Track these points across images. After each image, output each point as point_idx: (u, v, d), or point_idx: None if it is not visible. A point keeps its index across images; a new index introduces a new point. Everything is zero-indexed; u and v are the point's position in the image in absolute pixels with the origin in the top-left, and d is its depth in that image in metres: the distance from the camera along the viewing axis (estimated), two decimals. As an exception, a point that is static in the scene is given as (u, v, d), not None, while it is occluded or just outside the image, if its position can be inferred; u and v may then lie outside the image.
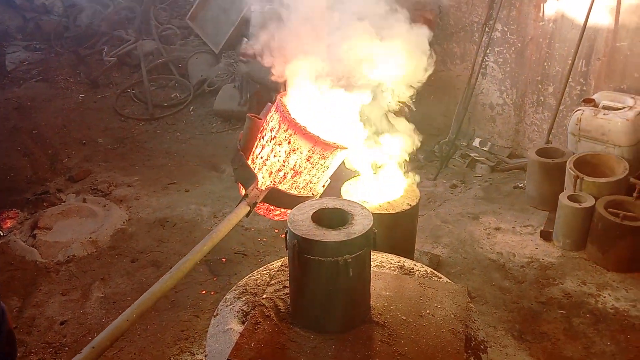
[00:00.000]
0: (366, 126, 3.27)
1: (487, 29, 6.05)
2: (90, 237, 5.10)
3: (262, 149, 3.04)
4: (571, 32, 5.46)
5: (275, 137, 2.95)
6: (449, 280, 2.71)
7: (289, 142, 2.90)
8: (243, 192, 3.02)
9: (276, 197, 2.99)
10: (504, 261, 4.65)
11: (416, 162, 6.34)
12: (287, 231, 2.24)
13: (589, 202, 4.54)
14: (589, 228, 4.56)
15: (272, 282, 2.61)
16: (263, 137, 3.04)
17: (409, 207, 3.44)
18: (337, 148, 2.95)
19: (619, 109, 4.88)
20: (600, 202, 4.47)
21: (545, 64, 5.79)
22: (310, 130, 2.87)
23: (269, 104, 3.15)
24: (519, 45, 5.93)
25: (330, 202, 2.38)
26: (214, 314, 2.56)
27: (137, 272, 4.74)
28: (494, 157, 6.27)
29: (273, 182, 3.00)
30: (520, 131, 6.25)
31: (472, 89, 6.28)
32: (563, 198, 4.64)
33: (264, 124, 3.07)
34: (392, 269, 2.77)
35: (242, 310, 2.52)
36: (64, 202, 5.78)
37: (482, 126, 6.54)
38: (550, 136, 5.64)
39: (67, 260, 4.88)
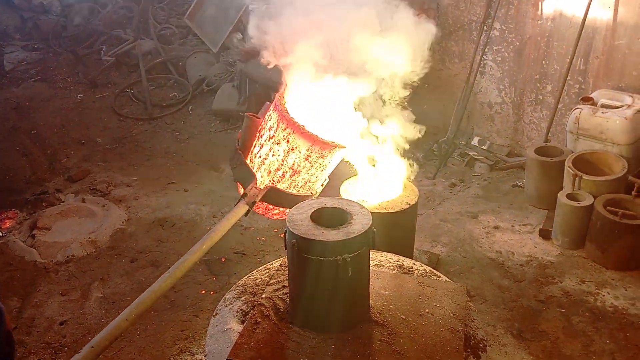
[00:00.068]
0: (365, 116, 3.27)
1: (485, 27, 6.05)
2: (89, 237, 5.09)
3: (260, 148, 3.04)
4: (569, 31, 5.46)
5: (273, 136, 2.95)
6: (448, 279, 2.71)
7: (288, 141, 2.90)
8: (242, 191, 3.02)
9: (275, 196, 2.99)
10: (503, 260, 4.65)
11: (415, 161, 6.34)
12: (286, 231, 2.24)
13: (587, 200, 4.54)
14: (587, 226, 4.57)
15: (272, 281, 2.61)
16: (262, 136, 3.04)
17: (408, 206, 3.44)
18: (335, 147, 2.95)
19: (618, 107, 4.88)
20: (599, 200, 4.48)
21: (543, 62, 5.79)
22: (308, 129, 2.87)
23: (268, 103, 3.15)
24: (518, 43, 5.93)
25: (329, 202, 2.38)
26: (214, 313, 2.56)
27: (136, 272, 4.74)
28: (492, 156, 6.27)
29: (272, 181, 3.00)
30: (519, 130, 6.26)
31: (471, 87, 6.29)
32: (562, 196, 4.65)
33: (263, 123, 3.07)
34: (391, 268, 2.77)
35: (241, 309, 2.52)
36: (63, 202, 5.78)
37: (480, 125, 6.54)
38: (549, 135, 5.64)
39: (67, 261, 4.88)
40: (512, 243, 4.86)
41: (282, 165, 2.96)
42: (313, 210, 2.31)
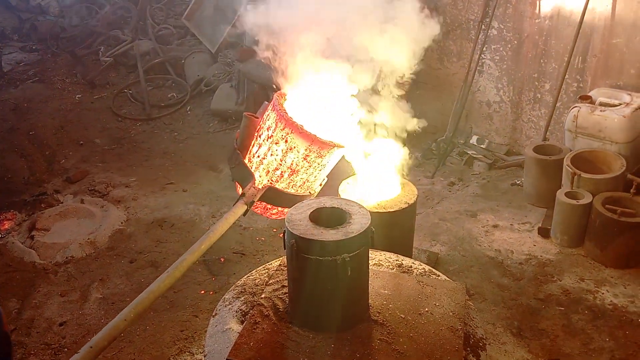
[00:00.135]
0: (361, 105, 3.27)
1: (483, 26, 6.05)
2: (88, 238, 5.09)
3: (259, 147, 3.04)
4: (567, 29, 5.46)
5: (272, 135, 2.95)
6: (447, 278, 2.71)
7: (286, 141, 2.90)
8: (240, 191, 3.02)
9: (273, 196, 2.99)
10: (502, 258, 4.65)
11: (414, 160, 6.35)
12: (285, 231, 2.24)
13: (586, 198, 4.55)
14: (586, 225, 4.57)
15: (271, 281, 2.61)
16: (260, 136, 3.04)
17: (407, 205, 3.44)
18: (334, 146, 2.95)
19: (616, 105, 4.88)
20: (598, 198, 4.48)
21: (541, 61, 5.79)
22: (307, 129, 2.87)
23: (266, 102, 3.14)
24: (516, 42, 5.93)
25: (327, 201, 2.38)
26: (213, 313, 2.56)
27: (135, 273, 4.74)
28: (491, 155, 6.27)
29: (270, 181, 3.00)
30: (518, 128, 6.26)
31: (469, 86, 6.29)
32: (560, 195, 4.65)
33: (261, 122, 3.07)
34: (391, 267, 2.77)
35: (241, 310, 2.52)
36: (62, 203, 5.77)
37: (479, 124, 6.55)
38: (548, 133, 5.64)
39: (66, 262, 4.87)
40: (511, 242, 4.86)
41: (281, 164, 2.96)
42: (312, 210, 2.31)
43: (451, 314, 2.38)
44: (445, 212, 5.35)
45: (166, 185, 6.14)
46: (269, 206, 3.12)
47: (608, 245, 4.42)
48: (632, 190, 4.48)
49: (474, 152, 6.32)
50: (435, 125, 6.63)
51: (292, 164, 2.96)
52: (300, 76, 3.06)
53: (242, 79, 7.26)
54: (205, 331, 2.77)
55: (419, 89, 6.61)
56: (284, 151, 2.92)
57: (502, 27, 5.98)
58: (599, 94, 5.09)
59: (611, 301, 4.11)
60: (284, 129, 2.89)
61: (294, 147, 2.90)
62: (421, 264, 2.81)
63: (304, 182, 3.07)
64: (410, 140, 3.59)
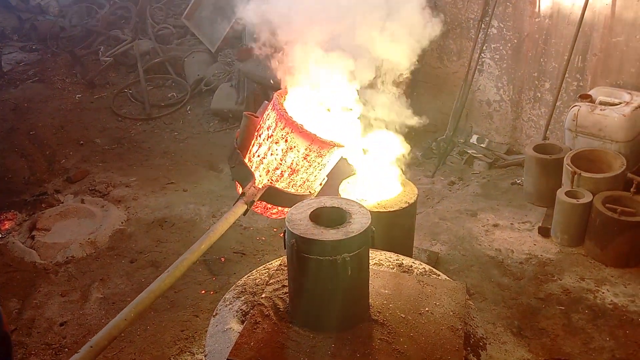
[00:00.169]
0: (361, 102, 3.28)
1: (483, 25, 6.05)
2: (88, 238, 5.09)
3: (259, 147, 3.04)
4: (567, 28, 5.46)
5: (272, 135, 2.95)
6: (447, 278, 2.71)
7: (286, 140, 2.90)
8: (240, 190, 3.02)
9: (273, 196, 2.99)
10: (503, 258, 4.66)
11: (414, 159, 6.35)
12: (285, 230, 2.24)
13: (586, 197, 4.55)
14: (586, 224, 4.57)
15: (271, 281, 2.61)
16: (260, 136, 3.04)
17: (407, 204, 3.44)
18: (334, 146, 2.95)
19: (616, 104, 4.88)
20: (598, 197, 4.48)
21: (541, 60, 5.79)
22: (307, 129, 2.87)
23: (266, 102, 3.14)
24: (515, 41, 5.93)
25: (328, 201, 2.38)
26: (214, 313, 2.56)
27: (136, 273, 4.74)
28: (491, 154, 6.27)
29: (270, 181, 3.00)
30: (518, 127, 6.26)
31: (469, 85, 6.29)
32: (561, 194, 4.65)
33: (261, 122, 3.07)
34: (391, 267, 2.77)
35: (241, 309, 2.52)
36: (62, 203, 5.77)
37: (479, 123, 6.55)
38: (548, 132, 5.64)
39: (66, 261, 4.88)
40: (512, 241, 4.86)
41: (281, 164, 2.96)
42: (312, 210, 2.31)
43: (451, 313, 2.38)
44: (446, 212, 5.35)
45: (166, 185, 6.14)
46: (269, 206, 3.12)
47: (608, 245, 4.42)
48: (632, 189, 4.48)
49: (474, 151, 6.32)
50: (436, 125, 6.64)
51: (292, 163, 2.96)
52: (302, 70, 3.06)
53: (242, 78, 7.26)
54: (205, 331, 2.77)
55: (419, 88, 6.61)
56: (284, 150, 2.92)
57: (502, 26, 5.98)
58: (599, 93, 5.08)
59: (611, 300, 4.11)
60: (284, 128, 2.89)
61: (294, 147, 2.90)
62: (421, 263, 2.81)
63: (304, 182, 3.07)
64: (410, 138, 3.58)
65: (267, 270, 2.78)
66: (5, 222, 5.43)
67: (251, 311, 2.44)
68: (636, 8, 4.97)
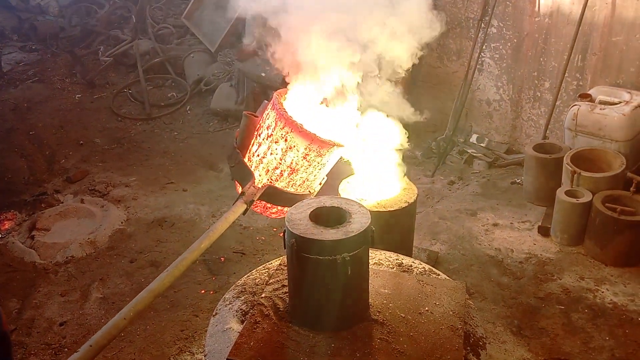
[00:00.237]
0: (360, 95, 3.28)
1: (483, 24, 6.05)
2: (88, 238, 5.09)
3: (258, 146, 3.04)
4: (567, 27, 5.46)
5: (271, 134, 2.95)
6: (447, 277, 2.71)
7: (286, 140, 2.90)
8: (240, 190, 3.02)
9: (273, 195, 2.99)
10: (502, 257, 4.66)
11: (414, 159, 6.35)
12: (285, 230, 2.24)
13: (586, 197, 4.55)
14: (586, 223, 4.57)
15: (271, 281, 2.61)
16: (260, 135, 3.04)
17: (407, 204, 3.45)
18: (333, 145, 2.95)
19: (616, 103, 4.88)
20: (598, 197, 4.48)
21: (541, 59, 5.79)
22: (306, 128, 2.87)
23: (265, 101, 3.15)
24: (515, 41, 5.93)
25: (327, 201, 2.38)
26: (213, 313, 2.56)
27: (136, 273, 4.74)
28: (491, 153, 6.27)
29: (270, 180, 3.00)
30: (517, 127, 6.26)
31: (469, 85, 6.29)
32: (560, 193, 4.65)
33: (261, 121, 3.07)
34: (391, 266, 2.77)
35: (241, 309, 2.52)
36: (62, 203, 5.77)
37: (479, 122, 6.55)
38: (547, 131, 5.64)
39: (66, 261, 4.87)
40: (511, 240, 4.86)
41: (280, 163, 2.96)
42: (312, 210, 2.31)
43: (451, 313, 2.38)
44: (445, 211, 5.35)
45: (166, 185, 6.14)
46: (268, 205, 3.12)
47: (608, 244, 4.42)
48: (631, 189, 4.48)
49: (473, 150, 6.32)
50: (435, 124, 6.64)
51: (291, 162, 2.96)
52: (306, 58, 3.06)
53: (241, 78, 7.26)
54: (205, 331, 2.77)
55: (419, 88, 6.61)
56: (283, 150, 2.93)
57: (502, 25, 5.98)
58: (599, 92, 5.08)
59: (611, 300, 4.11)
60: (283, 127, 2.89)
61: (294, 146, 2.90)
62: (421, 263, 2.81)
63: (304, 181, 3.07)
64: (410, 137, 3.58)
65: (266, 270, 2.78)
66: (5, 222, 5.43)
67: (251, 311, 2.44)
68: (636, 7, 4.97)
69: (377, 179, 3.58)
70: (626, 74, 5.20)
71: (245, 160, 3.05)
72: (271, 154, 2.96)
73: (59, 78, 8.60)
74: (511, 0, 5.81)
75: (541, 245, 4.77)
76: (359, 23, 3.10)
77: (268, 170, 3.00)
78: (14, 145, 6.74)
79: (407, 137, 3.52)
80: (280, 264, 2.74)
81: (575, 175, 4.65)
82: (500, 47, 6.07)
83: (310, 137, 2.87)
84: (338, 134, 3.07)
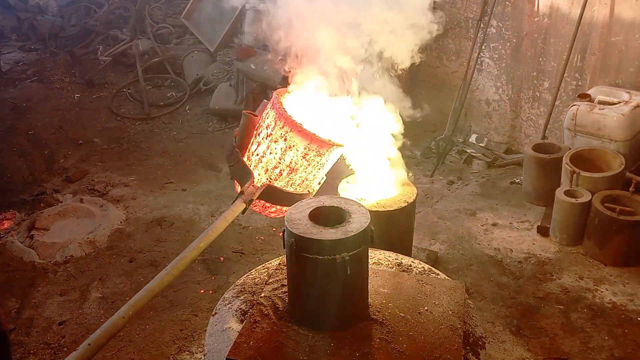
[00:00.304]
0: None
1: (482, 25, 6.05)
2: (87, 238, 5.09)
3: (258, 146, 3.04)
4: (566, 27, 5.46)
5: (271, 134, 2.95)
6: (446, 277, 2.71)
7: (285, 139, 2.90)
8: (239, 189, 3.02)
9: (272, 195, 2.99)
10: (502, 257, 4.66)
11: (413, 159, 6.35)
12: (284, 230, 2.24)
13: (585, 197, 4.55)
14: (585, 223, 4.57)
15: (270, 280, 2.61)
16: (259, 134, 3.04)
17: (406, 204, 3.45)
18: (333, 145, 2.95)
19: (615, 103, 4.89)
20: (597, 197, 4.48)
21: (540, 59, 5.79)
22: (306, 128, 2.87)
23: (265, 100, 3.14)
24: (514, 41, 5.93)
25: (327, 200, 2.39)
26: (213, 312, 2.56)
27: (135, 272, 4.74)
28: (490, 153, 6.27)
29: (269, 179, 3.00)
30: (517, 127, 6.26)
31: (468, 85, 6.29)
32: (559, 193, 4.65)
33: (260, 120, 3.07)
34: (390, 266, 2.77)
35: (240, 309, 2.52)
36: (61, 202, 5.77)
37: (478, 122, 6.55)
38: (547, 131, 5.64)
39: (65, 261, 4.87)
40: (511, 240, 4.87)
41: (280, 163, 2.96)
42: (311, 209, 2.31)
43: (450, 312, 2.38)
44: (445, 211, 5.35)
45: (165, 185, 6.14)
46: (267, 204, 3.12)
47: (607, 244, 4.42)
48: (631, 189, 4.49)
49: (473, 150, 6.33)
50: (435, 124, 6.65)
51: (291, 162, 2.96)
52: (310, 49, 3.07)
53: (241, 78, 7.26)
54: (204, 330, 2.77)
55: (418, 87, 6.61)
56: (283, 149, 2.92)
57: (501, 25, 5.98)
58: (598, 92, 5.09)
59: (610, 299, 4.12)
60: (283, 127, 2.89)
61: (293, 146, 2.90)
62: (420, 262, 2.81)
63: (303, 181, 3.07)
64: (409, 134, 3.57)
65: (266, 270, 2.78)
66: (4, 222, 5.43)
67: (250, 310, 2.44)
68: (635, 7, 4.97)
69: (377, 178, 3.58)
70: (625, 74, 5.20)
71: (245, 159, 3.05)
72: (270, 153, 2.96)
73: (58, 77, 8.60)
74: (510, 0, 5.81)
75: (540, 245, 4.77)
76: (361, 17, 3.12)
77: (267, 170, 3.00)
78: (13, 144, 6.74)
79: (403, 124, 3.51)
80: (279, 264, 2.74)
81: (575, 175, 4.65)
82: (500, 47, 6.07)
83: (310, 137, 2.87)
84: (337, 134, 3.07)
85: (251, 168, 3.00)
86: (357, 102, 3.34)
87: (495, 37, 6.06)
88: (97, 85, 8.43)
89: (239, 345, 2.22)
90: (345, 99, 3.23)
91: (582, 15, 5.19)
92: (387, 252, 2.89)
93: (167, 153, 6.87)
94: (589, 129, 4.92)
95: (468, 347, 2.29)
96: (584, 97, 5.02)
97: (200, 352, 3.86)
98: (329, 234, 2.17)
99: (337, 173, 3.56)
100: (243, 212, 2.92)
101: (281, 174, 2.99)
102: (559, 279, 4.35)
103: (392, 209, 3.40)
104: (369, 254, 2.43)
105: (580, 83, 5.53)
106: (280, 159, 2.95)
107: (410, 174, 3.70)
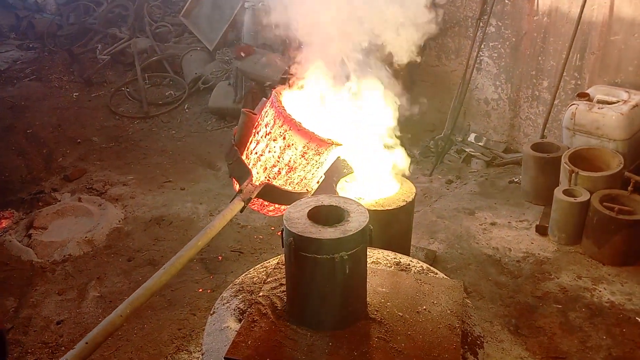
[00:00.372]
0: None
1: (481, 23, 6.05)
2: (86, 237, 5.08)
3: (256, 144, 3.03)
4: (565, 27, 5.46)
5: (270, 132, 2.94)
6: (445, 276, 2.71)
7: (284, 138, 2.90)
8: (237, 187, 3.02)
9: (270, 193, 2.99)
10: (500, 256, 4.66)
11: (411, 158, 6.35)
12: (283, 229, 2.24)
13: (584, 196, 4.55)
14: (584, 222, 4.58)
15: (269, 279, 2.60)
16: (258, 133, 3.04)
17: (405, 203, 3.44)
18: (332, 144, 2.95)
19: (614, 103, 4.89)
20: (595, 196, 4.48)
21: (539, 58, 5.79)
22: (305, 126, 2.86)
23: (264, 99, 3.14)
24: (514, 39, 5.93)
25: (326, 200, 2.38)
26: (211, 312, 2.55)
27: (133, 271, 4.73)
28: (489, 152, 6.27)
29: (267, 178, 3.00)
30: (515, 126, 6.26)
31: (467, 84, 6.29)
32: (558, 192, 4.65)
33: (259, 119, 3.07)
34: (388, 265, 2.77)
35: (238, 308, 2.51)
36: (59, 201, 5.76)
37: (477, 121, 6.55)
38: (545, 131, 5.65)
39: (63, 260, 4.86)
40: (509, 239, 4.87)
41: (278, 162, 2.96)
42: (310, 208, 2.31)
43: (449, 312, 2.38)
44: (443, 210, 5.35)
45: (164, 184, 6.13)
46: (265, 203, 3.12)
47: (605, 243, 4.42)
48: (629, 188, 4.49)
49: (472, 149, 6.32)
50: (434, 123, 6.64)
51: (289, 161, 2.95)
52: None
53: (239, 76, 7.25)
54: (203, 329, 2.77)
55: (417, 87, 6.61)
56: (281, 148, 2.92)
57: (500, 24, 5.98)
58: (597, 92, 5.09)
59: (608, 299, 4.12)
60: (282, 125, 2.89)
61: (292, 144, 2.90)
62: (419, 261, 2.81)
63: (302, 180, 3.06)
64: (407, 134, 3.57)
65: (264, 269, 2.78)
66: (2, 221, 5.42)
67: (249, 309, 2.44)
68: (634, 6, 4.97)
69: (376, 177, 3.58)
70: (624, 73, 5.20)
71: (243, 157, 3.05)
72: (269, 151, 2.96)
73: (57, 76, 8.59)
74: (510, -1, 5.82)
75: (539, 244, 4.77)
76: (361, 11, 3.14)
77: (266, 168, 2.99)
78: (11, 143, 6.73)
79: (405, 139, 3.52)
80: (278, 263, 2.74)
81: (573, 174, 4.65)
82: (499, 46, 6.07)
83: (309, 136, 2.86)
84: (337, 133, 3.07)
85: (250, 166, 3.00)
86: (355, 88, 3.33)
87: (494, 36, 6.06)
88: (95, 84, 8.43)
89: (237, 344, 2.22)
90: (343, 93, 3.23)
91: (581, 14, 5.19)
92: (386, 251, 2.89)
93: (165, 152, 6.86)
94: (588, 128, 4.92)
95: (466, 347, 2.29)
96: (583, 96, 5.02)
97: (199, 351, 3.86)
98: (327, 233, 2.16)
99: (336, 172, 3.55)
100: (241, 210, 2.92)
101: (280, 173, 2.99)
102: (558, 278, 4.36)
103: (390, 208, 3.39)
104: (368, 253, 2.43)
105: (579, 82, 5.53)
106: (279, 158, 2.95)
107: (410, 164, 3.68)
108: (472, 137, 6.47)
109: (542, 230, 4.88)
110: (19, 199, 5.81)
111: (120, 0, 9.80)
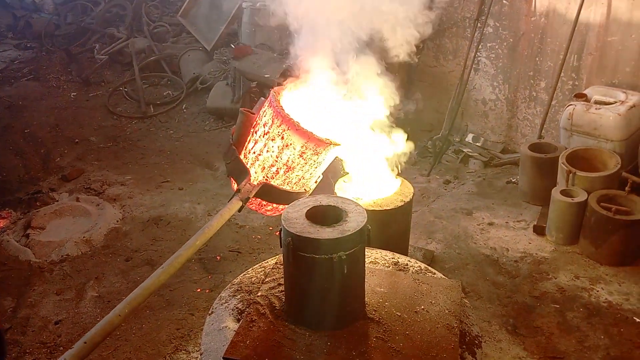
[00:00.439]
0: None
1: (479, 24, 6.06)
2: (84, 237, 5.08)
3: (255, 143, 3.04)
4: (563, 27, 5.47)
5: (268, 132, 2.94)
6: (443, 276, 2.72)
7: (282, 138, 2.90)
8: (235, 187, 3.02)
9: (268, 193, 2.99)
10: (498, 256, 4.67)
11: (409, 158, 6.35)
12: (281, 229, 2.24)
13: (581, 196, 4.56)
14: (581, 222, 4.58)
15: (267, 279, 2.61)
16: (256, 132, 3.04)
17: (403, 203, 3.45)
18: (330, 144, 2.95)
19: (611, 103, 4.90)
20: (593, 196, 4.49)
21: (537, 59, 5.80)
22: (303, 126, 2.86)
23: (262, 98, 3.14)
24: (511, 40, 5.94)
25: (324, 199, 2.38)
26: (209, 312, 2.56)
27: (131, 271, 4.73)
28: (487, 153, 6.28)
29: (266, 178, 3.00)
30: (513, 126, 6.27)
31: (465, 84, 6.30)
32: (556, 193, 4.66)
33: (257, 118, 3.07)
34: (387, 265, 2.77)
35: (237, 308, 2.52)
36: (57, 201, 5.75)
37: (475, 122, 6.56)
38: (543, 131, 5.66)
39: (61, 260, 4.86)
40: (507, 239, 4.87)
41: (277, 161, 2.96)
42: (308, 208, 2.31)
43: (447, 311, 2.38)
44: (441, 210, 5.36)
45: (162, 184, 6.13)
46: (263, 202, 3.12)
47: (603, 243, 4.43)
48: (626, 188, 4.50)
49: (469, 150, 6.33)
50: (431, 123, 6.65)
51: (288, 160, 2.96)
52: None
53: (237, 76, 7.25)
54: (201, 329, 2.77)
55: (415, 87, 6.62)
56: (280, 148, 2.92)
57: (498, 25, 5.99)
58: (594, 92, 5.10)
59: (606, 299, 4.13)
60: (280, 125, 2.89)
61: (290, 144, 2.90)
62: (417, 261, 2.81)
63: (300, 179, 3.07)
64: (406, 133, 3.57)
65: (263, 269, 2.78)
66: (0, 221, 5.41)
67: (247, 309, 2.44)
68: (631, 7, 4.99)
69: (374, 177, 3.58)
70: (622, 74, 5.21)
71: (242, 157, 3.05)
72: (267, 151, 2.96)
73: (54, 76, 8.58)
74: (507, -1, 5.83)
75: (536, 245, 4.78)
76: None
77: (264, 168, 2.99)
78: (8, 143, 6.72)
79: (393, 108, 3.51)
80: (276, 263, 2.74)
81: (571, 174, 4.66)
82: (497, 46, 6.08)
83: (307, 136, 2.87)
84: (335, 133, 3.07)
85: (248, 166, 3.00)
86: (352, 85, 3.34)
87: (492, 37, 6.07)
88: (93, 84, 8.42)
89: (235, 344, 2.22)
90: (341, 90, 3.23)
91: (578, 15, 5.21)
92: (384, 251, 2.89)
93: (163, 152, 6.86)
94: (585, 129, 4.93)
95: (464, 346, 2.30)
96: (581, 96, 5.03)
97: (197, 351, 3.86)
98: (325, 233, 2.16)
99: (334, 172, 3.56)
100: (239, 210, 2.92)
101: (278, 172, 2.99)
102: (555, 278, 4.36)
103: (388, 208, 3.39)
104: (366, 253, 2.43)
105: (576, 83, 5.54)
106: (277, 157, 2.95)
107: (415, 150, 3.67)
108: (469, 138, 6.48)
109: (539, 231, 4.89)
110: (17, 198, 5.80)
111: (117, 0, 9.80)
